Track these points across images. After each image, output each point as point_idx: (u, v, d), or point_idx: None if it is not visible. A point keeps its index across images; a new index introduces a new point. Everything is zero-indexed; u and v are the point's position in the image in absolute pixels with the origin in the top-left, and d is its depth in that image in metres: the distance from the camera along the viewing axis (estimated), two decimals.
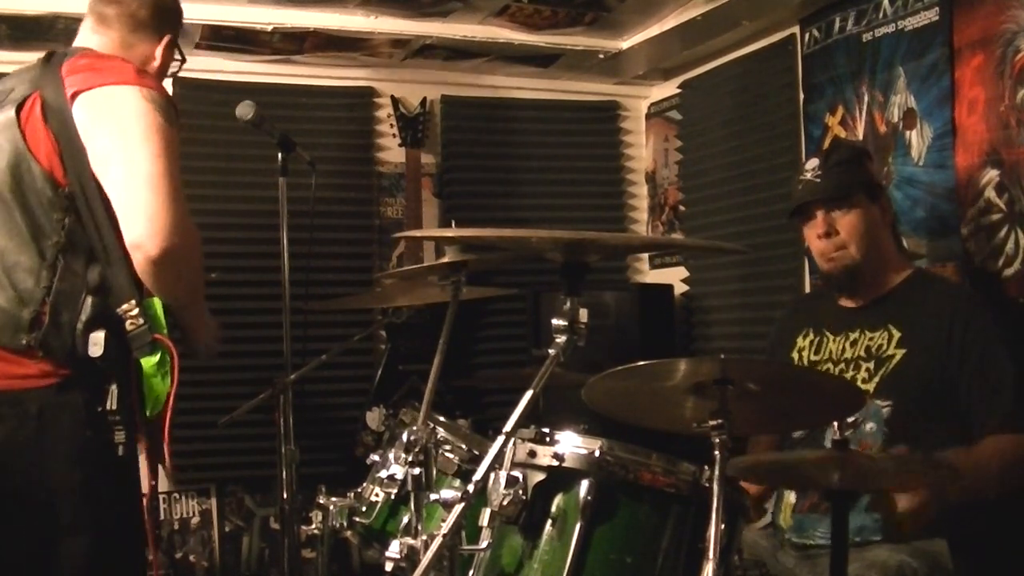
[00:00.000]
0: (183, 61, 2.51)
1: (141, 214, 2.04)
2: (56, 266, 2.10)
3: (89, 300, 2.09)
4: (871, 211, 2.59)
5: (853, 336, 2.59)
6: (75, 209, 2.11)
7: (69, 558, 2.09)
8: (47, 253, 2.10)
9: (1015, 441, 2.34)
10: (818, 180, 2.59)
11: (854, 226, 2.56)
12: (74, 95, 2.12)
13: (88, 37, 2.34)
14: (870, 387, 2.48)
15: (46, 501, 2.08)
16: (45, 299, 2.08)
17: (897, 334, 2.50)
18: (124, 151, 2.08)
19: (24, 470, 2.08)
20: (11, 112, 2.14)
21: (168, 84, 3.80)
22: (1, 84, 2.26)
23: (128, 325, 2.10)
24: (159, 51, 2.38)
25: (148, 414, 2.12)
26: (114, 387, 2.09)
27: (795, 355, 2.72)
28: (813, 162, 2.65)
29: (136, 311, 2.10)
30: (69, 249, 2.11)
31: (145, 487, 2.21)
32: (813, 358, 2.67)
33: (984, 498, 2.34)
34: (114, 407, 2.08)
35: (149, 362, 2.10)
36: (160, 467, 2.20)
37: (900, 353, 2.48)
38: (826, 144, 3.49)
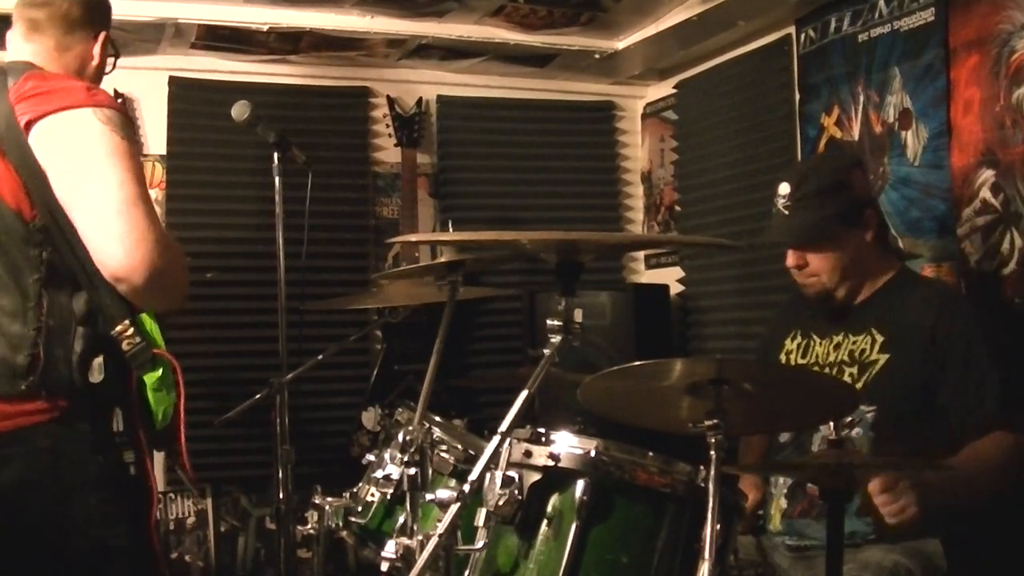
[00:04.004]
0: (117, 56, 2.37)
1: (118, 247, 1.93)
2: (41, 304, 2.02)
3: (79, 331, 2.03)
4: (848, 240, 2.50)
5: (837, 339, 2.57)
6: (51, 241, 2.02)
7: None
8: (30, 292, 2.02)
9: (1005, 439, 2.32)
10: (787, 213, 2.50)
11: (825, 263, 2.51)
12: (28, 124, 1.99)
13: (21, 47, 2.19)
14: None
15: (68, 531, 2.02)
16: (37, 340, 2.00)
17: (880, 338, 2.48)
18: (89, 181, 1.96)
19: (43, 505, 2.02)
20: None
21: (164, 84, 3.92)
22: None
23: (125, 346, 2.06)
24: (97, 49, 2.25)
25: (156, 427, 2.10)
26: (119, 409, 2.06)
27: (783, 357, 2.71)
28: (785, 187, 2.51)
29: (131, 331, 2.06)
30: (51, 283, 2.03)
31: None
32: (800, 361, 2.65)
33: (980, 501, 2.32)
34: (121, 428, 2.05)
35: (152, 378, 2.08)
36: (181, 472, 2.17)
37: (883, 358, 2.46)
38: (822, 144, 3.50)
